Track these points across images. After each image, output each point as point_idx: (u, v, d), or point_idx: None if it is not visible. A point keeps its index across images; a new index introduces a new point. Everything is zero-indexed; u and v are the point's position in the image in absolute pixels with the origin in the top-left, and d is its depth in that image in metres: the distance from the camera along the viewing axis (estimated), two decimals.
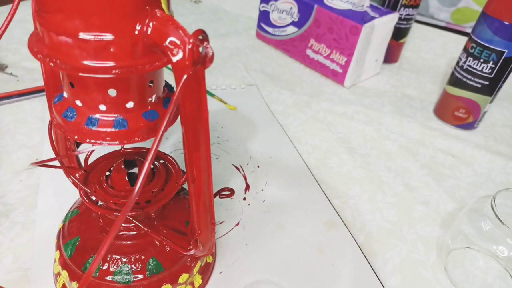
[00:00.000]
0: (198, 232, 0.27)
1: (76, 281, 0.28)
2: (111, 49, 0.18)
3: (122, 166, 0.28)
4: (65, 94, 0.22)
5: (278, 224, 0.39)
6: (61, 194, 0.38)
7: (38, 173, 0.42)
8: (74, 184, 0.28)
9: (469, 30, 1.04)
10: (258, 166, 0.46)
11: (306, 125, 0.54)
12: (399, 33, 0.68)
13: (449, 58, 0.77)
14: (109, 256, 0.28)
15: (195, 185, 0.24)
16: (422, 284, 0.35)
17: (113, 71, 0.18)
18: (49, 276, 0.32)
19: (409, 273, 0.36)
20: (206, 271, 0.33)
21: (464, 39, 0.81)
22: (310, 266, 0.36)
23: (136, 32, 0.18)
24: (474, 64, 0.51)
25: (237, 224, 0.39)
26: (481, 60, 0.50)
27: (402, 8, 0.65)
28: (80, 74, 0.18)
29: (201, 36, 0.18)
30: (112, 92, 0.20)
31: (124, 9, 0.17)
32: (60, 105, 0.22)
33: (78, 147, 0.30)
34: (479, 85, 0.52)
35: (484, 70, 0.50)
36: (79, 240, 0.29)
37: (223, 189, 0.42)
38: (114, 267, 0.28)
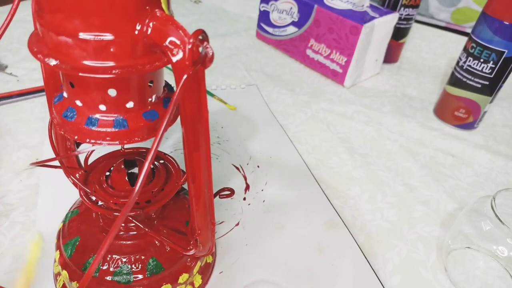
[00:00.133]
0: (198, 232, 0.27)
1: (76, 281, 0.28)
2: (111, 49, 0.18)
3: (122, 166, 0.28)
4: (65, 94, 0.22)
5: (278, 224, 0.39)
6: (61, 194, 0.38)
7: (38, 173, 0.42)
8: (74, 184, 0.28)
9: (469, 30, 1.04)
10: (258, 166, 0.46)
11: (306, 125, 0.54)
12: (399, 33, 0.68)
13: (449, 58, 0.77)
14: (109, 256, 0.28)
15: (195, 185, 0.24)
16: (422, 284, 0.35)
17: (113, 71, 0.18)
18: (49, 276, 0.32)
19: (409, 273, 0.36)
20: (206, 271, 0.33)
21: (464, 39, 0.81)
22: (310, 266, 0.36)
23: (136, 32, 0.18)
24: (474, 64, 0.51)
25: (237, 224, 0.39)
26: (481, 60, 0.50)
27: (402, 8, 0.65)
28: (80, 74, 0.18)
29: (201, 36, 0.18)
30: (112, 92, 0.20)
31: (124, 9, 0.17)
32: (60, 105, 0.22)
33: (78, 147, 0.30)
34: (479, 85, 0.52)
35: (484, 70, 0.50)
36: (79, 240, 0.29)
37: (223, 189, 0.42)
38: (114, 267, 0.28)
